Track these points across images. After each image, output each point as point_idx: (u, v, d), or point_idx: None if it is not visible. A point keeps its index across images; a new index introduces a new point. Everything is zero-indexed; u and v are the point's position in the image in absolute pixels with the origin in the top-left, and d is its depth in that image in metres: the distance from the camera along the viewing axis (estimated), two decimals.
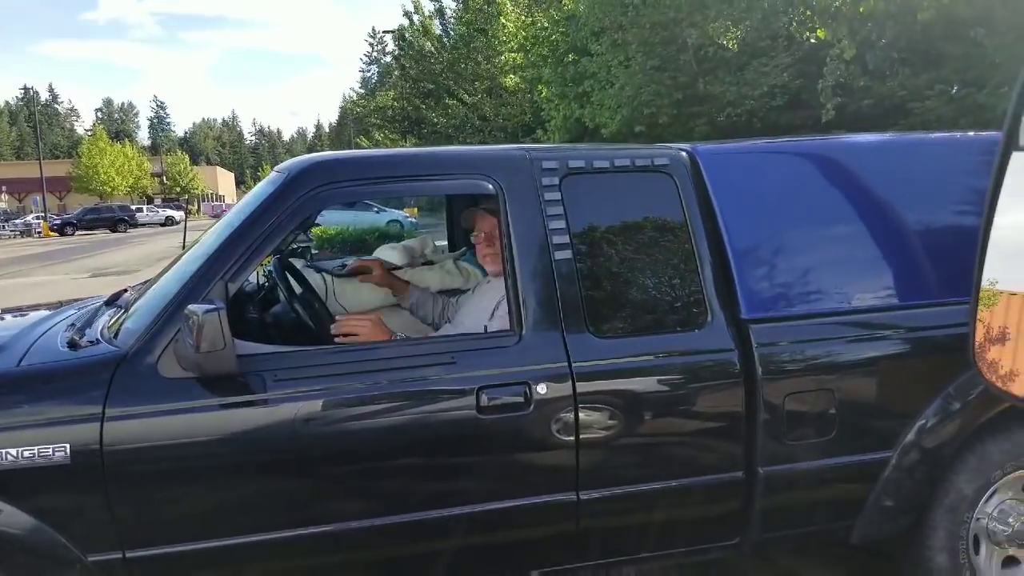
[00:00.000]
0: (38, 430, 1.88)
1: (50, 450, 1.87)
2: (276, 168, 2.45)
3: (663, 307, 2.25)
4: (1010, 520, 2.37)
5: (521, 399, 2.08)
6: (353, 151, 2.77)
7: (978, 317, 1.76)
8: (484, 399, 2.07)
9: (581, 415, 2.11)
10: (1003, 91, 7.32)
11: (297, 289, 2.80)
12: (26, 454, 1.86)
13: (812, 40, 9.21)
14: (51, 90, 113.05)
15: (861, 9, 7.29)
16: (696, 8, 10.99)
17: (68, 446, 1.87)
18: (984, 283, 1.73)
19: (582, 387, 2.12)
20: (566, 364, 2.12)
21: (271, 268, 2.96)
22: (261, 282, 3.11)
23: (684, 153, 2.40)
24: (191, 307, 1.88)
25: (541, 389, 2.09)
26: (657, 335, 2.23)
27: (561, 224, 2.22)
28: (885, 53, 8.52)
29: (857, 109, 9.14)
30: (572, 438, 2.11)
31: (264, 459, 2.01)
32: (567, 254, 2.20)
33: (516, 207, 2.22)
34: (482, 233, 2.65)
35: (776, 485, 2.23)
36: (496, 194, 2.23)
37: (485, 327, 2.38)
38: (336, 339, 2.33)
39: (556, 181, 2.26)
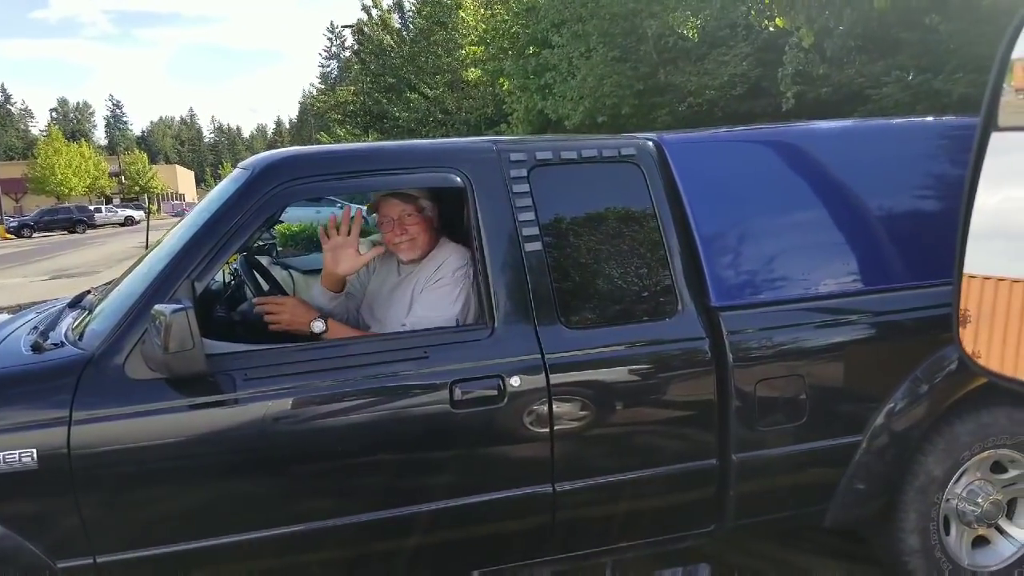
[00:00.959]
0: (3, 435, 1.84)
1: (16, 455, 1.83)
2: (240, 164, 2.41)
3: (634, 297, 2.25)
4: (979, 500, 2.42)
5: (495, 392, 2.08)
6: (318, 146, 2.72)
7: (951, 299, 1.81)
8: (458, 393, 2.06)
9: (555, 407, 2.11)
10: (958, 76, 7.48)
11: (264, 286, 2.75)
12: None
13: (771, 28, 9.31)
14: (3, 90, 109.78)
15: None
16: None
17: (35, 451, 1.84)
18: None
19: (555, 379, 2.12)
20: (539, 356, 2.12)
21: (237, 266, 2.91)
22: (227, 280, 3.06)
23: (651, 143, 2.40)
24: (158, 307, 1.85)
25: (514, 382, 2.09)
26: (629, 325, 2.23)
27: (530, 216, 2.21)
28: (843, 40, 8.63)
29: (817, 96, 9.27)
30: (547, 430, 2.11)
31: (236, 459, 1.98)
32: (537, 246, 2.19)
33: (485, 199, 2.20)
34: (388, 219, 2.45)
35: (749, 471, 2.25)
36: (464, 187, 2.21)
37: (404, 324, 2.31)
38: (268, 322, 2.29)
39: (524, 173, 2.24)
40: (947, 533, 2.44)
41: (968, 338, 1.89)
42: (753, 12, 9.76)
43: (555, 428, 2.12)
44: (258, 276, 2.81)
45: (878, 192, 2.45)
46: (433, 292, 2.35)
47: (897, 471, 2.36)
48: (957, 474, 2.41)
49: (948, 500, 2.42)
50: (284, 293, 2.78)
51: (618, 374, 2.20)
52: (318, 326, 2.24)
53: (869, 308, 2.35)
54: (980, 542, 2.50)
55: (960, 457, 2.39)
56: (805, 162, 2.49)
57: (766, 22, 9.33)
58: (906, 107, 8.10)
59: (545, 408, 2.10)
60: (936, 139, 2.66)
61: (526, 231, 2.19)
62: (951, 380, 2.30)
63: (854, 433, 2.31)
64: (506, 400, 2.08)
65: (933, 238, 2.36)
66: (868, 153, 2.53)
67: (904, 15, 8.09)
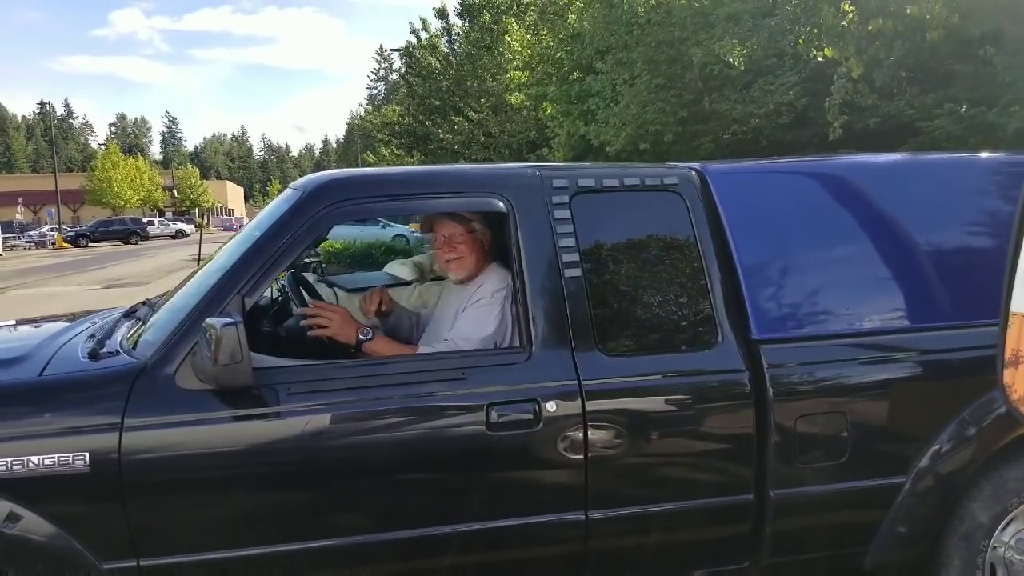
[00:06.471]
0: (58, 438, 1.91)
1: (70, 458, 1.89)
2: (291, 185, 2.48)
3: (673, 326, 2.25)
4: None
5: (530, 416, 2.08)
6: (367, 169, 2.79)
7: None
8: (494, 415, 2.07)
9: (590, 433, 2.11)
10: (1013, 110, 7.30)
11: (310, 303, 2.80)
12: (46, 462, 1.88)
13: (819, 58, 9.23)
14: (66, 105, 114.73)
15: (870, 27, 7.28)
16: (702, 27, 11.04)
17: (87, 454, 1.90)
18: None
19: (591, 405, 2.12)
20: (575, 382, 2.12)
21: (284, 283, 2.98)
22: (274, 296, 3.13)
23: (694, 172, 2.40)
24: (209, 320, 1.90)
25: (550, 406, 2.09)
26: (667, 354, 2.23)
27: (571, 242, 2.23)
28: (893, 71, 8.51)
29: (864, 127, 9.14)
30: (581, 456, 2.11)
31: (277, 471, 2.02)
32: (577, 272, 2.20)
33: (526, 225, 2.23)
34: (441, 237, 2.53)
35: (787, 508, 2.22)
36: (507, 211, 2.24)
37: (446, 339, 2.36)
38: (308, 332, 2.36)
39: (566, 199, 2.27)
40: None
41: (1020, 382, 1.83)
42: (801, 41, 9.68)
43: (589, 455, 2.11)
44: (304, 293, 2.87)
45: (926, 228, 2.42)
46: (473, 311, 2.39)
47: (941, 515, 2.29)
48: (1005, 521, 2.33)
49: (995, 548, 2.34)
50: None
51: (655, 403, 2.19)
52: (364, 336, 2.29)
53: (915, 346, 2.31)
54: None
55: (1008, 504, 2.32)
56: (851, 195, 2.46)
57: (815, 52, 9.25)
58: (958, 140, 7.93)
59: (580, 434, 2.10)
60: (988, 175, 2.61)
61: (566, 257, 2.21)
62: (1000, 424, 2.24)
63: (897, 474, 2.26)
64: (541, 424, 2.08)
65: (984, 276, 2.31)
66: (917, 188, 2.50)
67: (958, 47, 7.96)
